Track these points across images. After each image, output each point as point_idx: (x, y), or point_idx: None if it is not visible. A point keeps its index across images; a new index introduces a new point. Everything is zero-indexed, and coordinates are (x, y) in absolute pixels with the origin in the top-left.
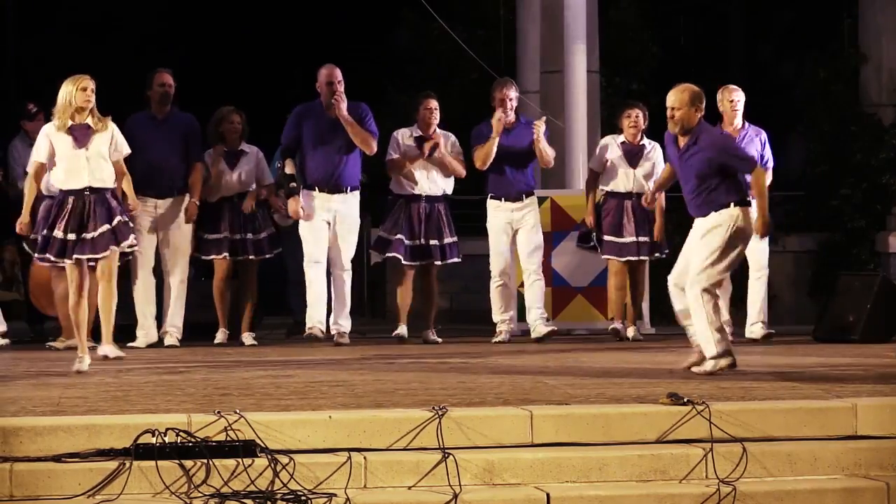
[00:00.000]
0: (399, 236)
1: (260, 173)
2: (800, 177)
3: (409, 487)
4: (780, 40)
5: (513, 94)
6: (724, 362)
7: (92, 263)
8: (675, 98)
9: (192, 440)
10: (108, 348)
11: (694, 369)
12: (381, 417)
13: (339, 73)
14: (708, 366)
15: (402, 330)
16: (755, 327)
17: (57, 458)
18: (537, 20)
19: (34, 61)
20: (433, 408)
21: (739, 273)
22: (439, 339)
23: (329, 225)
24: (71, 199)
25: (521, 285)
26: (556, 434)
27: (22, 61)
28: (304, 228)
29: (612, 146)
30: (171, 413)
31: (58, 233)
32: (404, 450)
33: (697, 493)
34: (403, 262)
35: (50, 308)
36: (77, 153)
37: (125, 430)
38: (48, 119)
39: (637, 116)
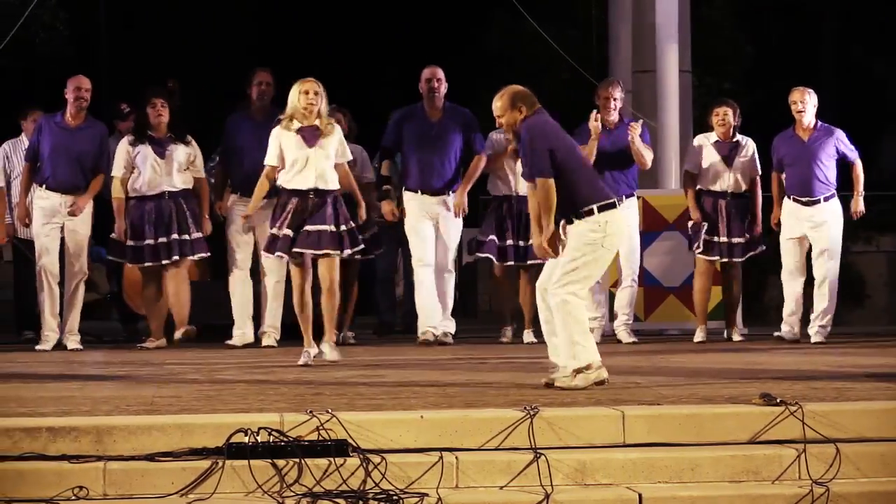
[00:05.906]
0: (491, 237)
1: (359, 172)
2: (893, 176)
3: (501, 487)
4: (872, 40)
5: (618, 93)
6: (592, 375)
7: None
8: (496, 106)
9: (285, 439)
10: (326, 348)
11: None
12: (472, 417)
13: (440, 72)
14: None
15: (507, 335)
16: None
17: (150, 457)
18: (629, 20)
19: (126, 61)
20: (525, 408)
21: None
22: (535, 340)
23: (433, 226)
24: (295, 200)
25: (614, 285)
26: (648, 434)
27: (114, 61)
28: (409, 231)
29: (706, 145)
30: (263, 412)
31: (281, 231)
32: (496, 450)
33: (790, 494)
34: (496, 261)
35: (143, 308)
36: (305, 154)
37: (218, 429)
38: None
39: (725, 114)
